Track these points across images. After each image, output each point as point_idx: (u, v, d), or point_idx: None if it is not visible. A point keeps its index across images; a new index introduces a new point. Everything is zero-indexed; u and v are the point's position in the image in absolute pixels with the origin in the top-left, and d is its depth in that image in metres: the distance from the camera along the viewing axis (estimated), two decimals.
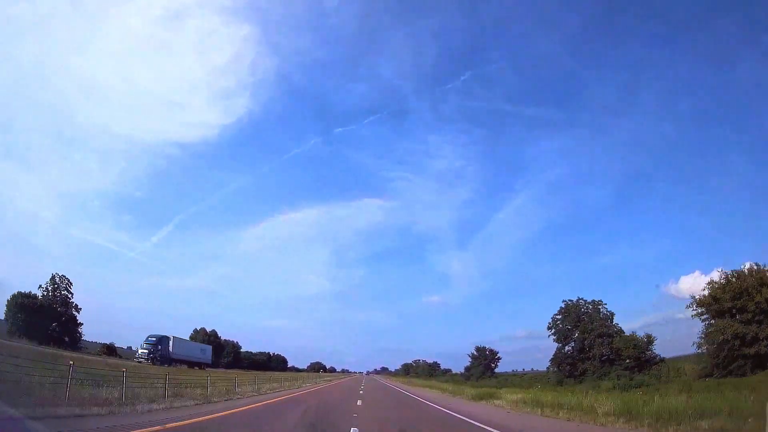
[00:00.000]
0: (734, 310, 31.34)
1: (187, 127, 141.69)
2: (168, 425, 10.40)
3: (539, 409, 17.79)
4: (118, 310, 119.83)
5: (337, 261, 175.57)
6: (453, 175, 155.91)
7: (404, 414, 18.79)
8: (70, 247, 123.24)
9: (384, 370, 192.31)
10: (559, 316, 55.17)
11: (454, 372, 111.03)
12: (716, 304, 32.59)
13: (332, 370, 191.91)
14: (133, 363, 45.12)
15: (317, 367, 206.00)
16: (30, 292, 55.71)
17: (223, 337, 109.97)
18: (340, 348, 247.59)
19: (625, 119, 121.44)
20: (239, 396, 22.45)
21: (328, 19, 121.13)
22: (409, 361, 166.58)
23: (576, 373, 48.92)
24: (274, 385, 34.99)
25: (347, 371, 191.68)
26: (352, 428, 11.85)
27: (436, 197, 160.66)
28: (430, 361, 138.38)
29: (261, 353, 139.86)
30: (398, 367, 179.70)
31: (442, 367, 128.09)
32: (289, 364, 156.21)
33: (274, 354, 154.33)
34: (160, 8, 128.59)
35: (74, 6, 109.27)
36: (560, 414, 16.06)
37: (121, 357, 59.76)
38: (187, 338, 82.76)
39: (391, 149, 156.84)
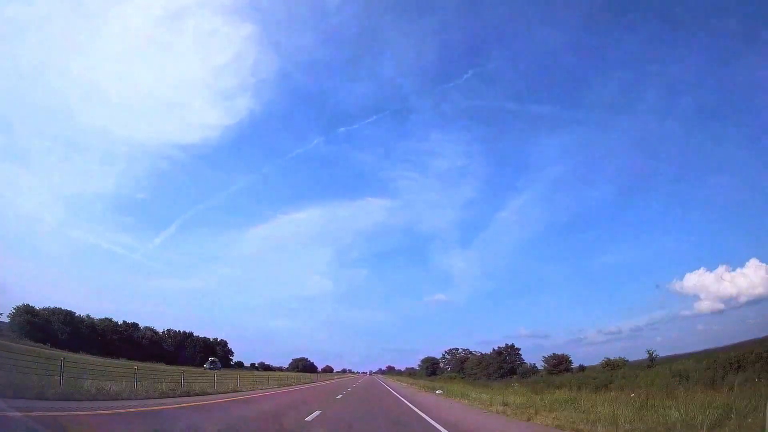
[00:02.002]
0: None
1: (188, 128, 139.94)
2: None
3: None
4: (121, 313, 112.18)
5: (339, 261, 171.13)
6: (455, 174, 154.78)
7: None
8: (71, 250, 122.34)
9: (390, 370, 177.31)
10: None
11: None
12: None
13: (329, 369, 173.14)
14: None
15: (301, 366, 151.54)
16: None
17: None
18: (344, 348, 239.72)
19: (628, 116, 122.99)
20: None
21: (329, 19, 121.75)
22: (438, 356, 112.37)
23: None
24: None
25: (350, 371, 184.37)
26: None
27: (438, 196, 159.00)
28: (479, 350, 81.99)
29: (181, 333, 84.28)
30: (415, 366, 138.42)
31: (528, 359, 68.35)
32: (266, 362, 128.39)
33: (219, 340, 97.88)
34: (161, 8, 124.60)
35: (73, 7, 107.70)
36: None
37: None
38: None
39: (393, 148, 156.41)
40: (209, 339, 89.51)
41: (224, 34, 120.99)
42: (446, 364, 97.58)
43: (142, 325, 76.18)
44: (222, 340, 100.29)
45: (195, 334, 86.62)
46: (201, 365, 71.18)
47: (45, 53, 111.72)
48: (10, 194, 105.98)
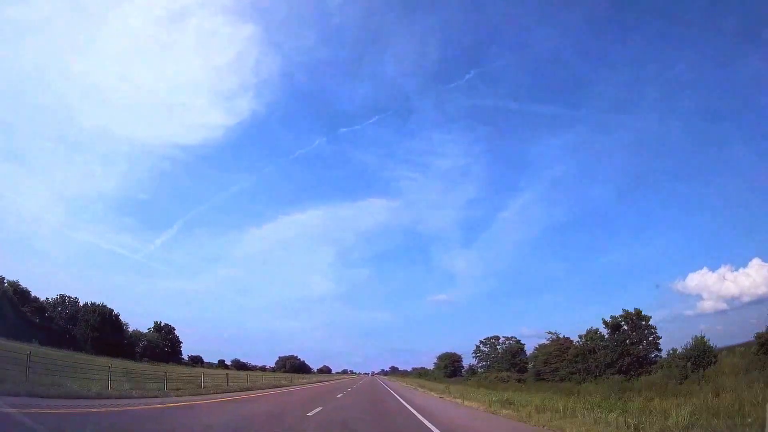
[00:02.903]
0: None
1: (190, 128, 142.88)
2: None
3: None
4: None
5: (342, 261, 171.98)
6: (457, 174, 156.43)
7: None
8: (73, 251, 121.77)
9: (394, 371, 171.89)
10: None
11: None
12: None
13: (326, 370, 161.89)
14: None
15: (289, 365, 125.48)
16: None
17: None
18: (345, 348, 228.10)
19: (629, 116, 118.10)
20: None
21: (331, 18, 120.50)
22: (461, 351, 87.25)
23: None
24: None
25: (351, 372, 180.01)
26: None
27: (440, 196, 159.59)
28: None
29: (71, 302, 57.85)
30: (427, 365, 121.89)
31: None
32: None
33: (163, 324, 70.98)
34: (162, 9, 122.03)
35: (74, 8, 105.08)
36: None
37: None
38: None
39: (395, 148, 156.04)
40: (109, 309, 58.38)
41: (226, 35, 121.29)
42: (481, 360, 70.27)
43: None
44: (165, 324, 73.15)
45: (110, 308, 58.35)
46: (96, 352, 43.93)
47: (46, 54, 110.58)
48: (11, 195, 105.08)
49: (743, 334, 53.46)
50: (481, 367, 67.95)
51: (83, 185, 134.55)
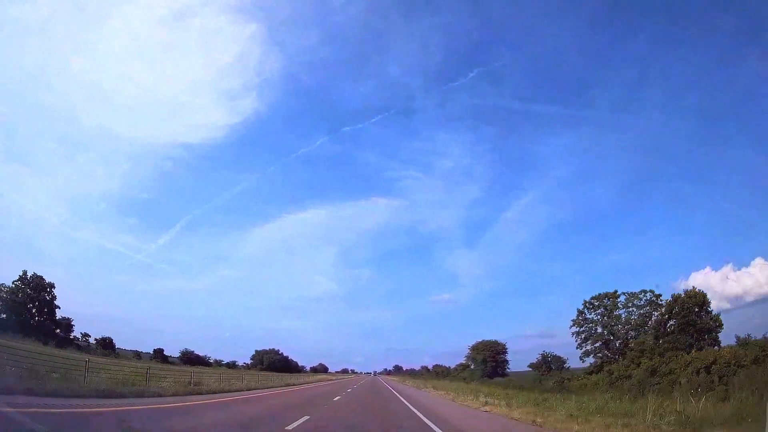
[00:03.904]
0: None
1: (192, 128, 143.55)
2: None
3: None
4: (126, 312, 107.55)
5: (344, 261, 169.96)
6: (461, 174, 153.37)
7: None
8: (75, 251, 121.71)
9: (398, 370, 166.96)
10: None
11: None
12: None
13: (322, 369, 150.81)
14: None
15: (268, 362, 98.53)
16: None
17: None
18: (349, 348, 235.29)
19: (633, 116, 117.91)
20: None
21: (334, 17, 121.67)
22: (503, 340, 79.44)
23: None
24: None
25: (352, 371, 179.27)
26: None
27: (443, 196, 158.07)
28: None
29: None
30: (446, 363, 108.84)
31: None
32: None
33: (32, 277, 43.39)
34: (164, 8, 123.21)
35: (76, 7, 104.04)
36: None
37: None
38: None
39: (398, 148, 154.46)
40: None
41: (228, 34, 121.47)
42: (588, 338, 41.35)
43: None
44: (36, 277, 44.41)
45: None
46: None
47: (48, 53, 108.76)
48: (14, 195, 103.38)
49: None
50: (592, 352, 39.65)
51: (85, 185, 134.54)
